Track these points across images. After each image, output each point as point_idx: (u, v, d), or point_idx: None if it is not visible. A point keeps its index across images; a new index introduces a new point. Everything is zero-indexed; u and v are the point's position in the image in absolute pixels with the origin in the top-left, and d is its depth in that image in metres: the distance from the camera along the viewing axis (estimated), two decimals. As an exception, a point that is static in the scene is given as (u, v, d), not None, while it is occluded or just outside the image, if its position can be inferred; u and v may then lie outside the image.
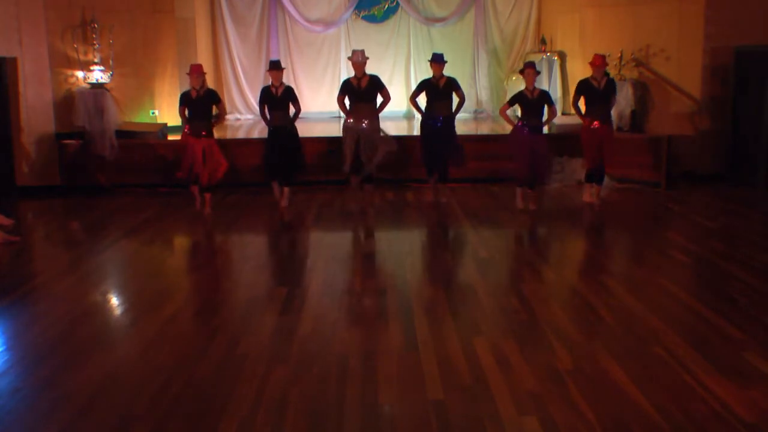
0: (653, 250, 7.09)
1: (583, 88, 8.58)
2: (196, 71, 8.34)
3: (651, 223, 8.26)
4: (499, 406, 3.71)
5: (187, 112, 8.40)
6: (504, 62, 14.01)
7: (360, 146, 8.31)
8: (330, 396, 3.88)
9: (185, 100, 8.41)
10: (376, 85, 8.43)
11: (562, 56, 12.62)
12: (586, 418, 3.57)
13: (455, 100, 8.68)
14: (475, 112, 14.06)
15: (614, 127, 10.66)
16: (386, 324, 4.94)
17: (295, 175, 8.78)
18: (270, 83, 8.61)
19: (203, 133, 8.29)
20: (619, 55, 10.62)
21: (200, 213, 8.42)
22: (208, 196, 8.47)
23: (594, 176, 8.67)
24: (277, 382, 4.05)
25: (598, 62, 8.50)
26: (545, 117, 8.47)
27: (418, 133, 9.07)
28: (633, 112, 10.63)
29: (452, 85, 8.67)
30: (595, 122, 8.43)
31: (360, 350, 4.49)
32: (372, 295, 5.73)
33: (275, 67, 8.61)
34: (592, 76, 8.54)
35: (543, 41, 13.24)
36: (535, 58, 12.81)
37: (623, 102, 10.56)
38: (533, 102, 8.22)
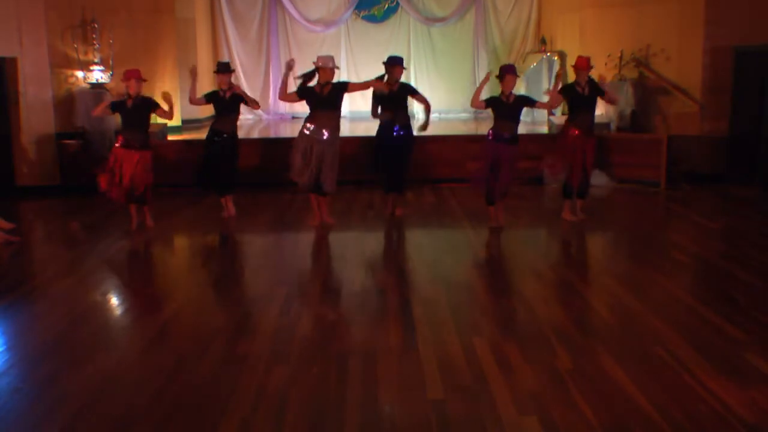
0: (653, 250, 7.09)
1: (568, 92, 7.66)
2: (137, 76, 7.51)
3: (651, 223, 8.25)
4: (499, 406, 3.71)
5: (120, 122, 7.71)
6: (504, 62, 13.97)
7: (313, 161, 7.36)
8: (330, 396, 3.88)
9: (117, 108, 7.58)
10: (340, 90, 7.44)
11: (562, 56, 12.63)
12: (586, 418, 3.57)
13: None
14: (475, 112, 14.06)
15: (614, 127, 10.69)
16: (386, 324, 4.94)
17: (234, 183, 8.33)
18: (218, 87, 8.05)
19: (137, 148, 7.53)
20: (619, 55, 10.62)
21: (137, 231, 7.75)
22: (146, 209, 7.82)
23: (573, 190, 7.83)
24: (277, 382, 4.05)
25: (582, 65, 7.59)
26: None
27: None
28: (633, 112, 10.64)
29: (407, 90, 8.03)
30: (574, 130, 7.58)
31: (360, 350, 4.49)
32: (372, 295, 5.73)
33: (225, 69, 8.08)
34: (575, 81, 7.66)
35: (543, 41, 13.26)
36: (535, 58, 12.85)
37: (623, 102, 10.57)
38: (509, 107, 7.36)
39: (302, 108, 13.65)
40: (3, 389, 4.03)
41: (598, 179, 8.32)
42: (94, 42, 10.24)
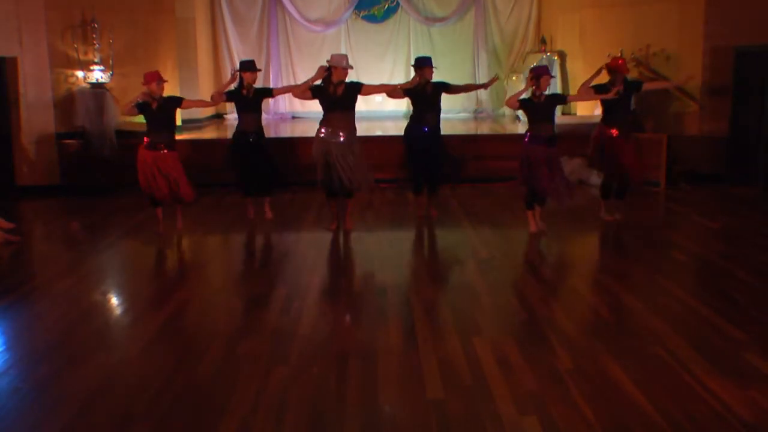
0: (653, 250, 7.08)
1: (602, 92, 7.54)
2: (159, 78, 7.35)
3: (651, 223, 8.25)
4: (499, 406, 3.71)
5: (145, 124, 7.52)
6: (504, 62, 14.03)
7: (332, 164, 7.23)
8: (330, 396, 3.88)
9: (142, 111, 7.39)
10: (354, 91, 7.29)
11: (562, 56, 12.64)
12: (586, 418, 3.57)
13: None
14: (475, 111, 14.07)
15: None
16: (386, 324, 4.94)
17: (275, 186, 8.25)
18: (240, 85, 7.79)
19: (163, 148, 7.41)
20: (619, 55, 10.61)
21: (163, 234, 7.62)
22: (179, 208, 7.68)
23: (612, 191, 7.90)
24: (277, 382, 4.05)
25: (624, 69, 7.58)
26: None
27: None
28: (633, 112, 10.63)
29: (441, 89, 7.85)
30: (613, 130, 7.59)
31: (360, 350, 4.49)
32: (372, 295, 5.73)
33: (252, 67, 7.84)
34: (610, 81, 7.56)
35: (543, 41, 13.25)
36: (535, 58, 12.84)
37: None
38: (541, 107, 7.16)
39: (303, 108, 13.78)
40: (3, 389, 4.04)
41: (599, 179, 8.32)
42: (94, 42, 10.24)
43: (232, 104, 13.67)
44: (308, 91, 7.34)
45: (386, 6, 14.15)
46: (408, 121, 8.15)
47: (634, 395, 3.80)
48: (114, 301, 5.87)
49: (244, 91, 7.79)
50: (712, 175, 10.01)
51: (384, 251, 7.06)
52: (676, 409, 3.64)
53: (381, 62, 13.98)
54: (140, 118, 10.47)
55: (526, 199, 7.40)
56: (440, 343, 4.57)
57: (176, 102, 7.63)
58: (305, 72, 13.88)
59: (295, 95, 7.53)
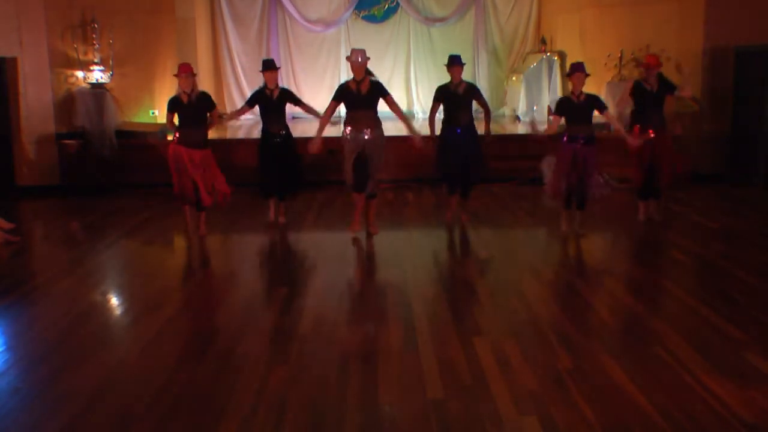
0: (653, 250, 7.08)
1: (636, 92, 7.60)
2: (187, 71, 7.24)
3: (651, 223, 8.24)
4: (499, 406, 3.71)
5: (176, 120, 7.32)
6: (504, 62, 14.02)
7: (363, 160, 7.11)
8: (330, 396, 3.88)
9: (174, 107, 7.27)
10: (378, 92, 7.14)
11: (562, 56, 12.62)
12: (586, 418, 3.57)
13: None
14: (475, 112, 14.05)
15: (614, 128, 10.66)
16: (386, 324, 4.94)
17: (292, 191, 8.12)
18: (264, 85, 7.73)
19: (195, 146, 7.24)
20: (619, 55, 10.62)
21: (193, 234, 7.60)
22: (203, 215, 7.52)
23: (647, 191, 7.89)
24: (277, 382, 4.05)
25: (654, 62, 7.55)
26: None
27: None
28: (633, 113, 10.62)
29: (473, 91, 7.81)
30: (650, 131, 7.55)
31: (360, 350, 4.49)
32: (372, 295, 5.73)
33: (271, 67, 7.73)
34: (644, 79, 7.61)
35: (543, 41, 13.24)
36: (535, 58, 12.83)
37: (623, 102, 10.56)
38: (579, 107, 7.09)
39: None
40: (3, 389, 4.04)
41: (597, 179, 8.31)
42: (94, 42, 10.24)
43: (230, 105, 13.82)
44: (333, 102, 7.20)
45: (386, 6, 14.14)
46: (441, 123, 7.97)
47: (634, 395, 3.80)
48: (114, 301, 5.87)
49: (268, 92, 7.69)
50: (712, 175, 10.01)
51: (384, 251, 7.06)
52: (676, 409, 3.64)
53: (381, 62, 13.93)
54: (141, 118, 10.58)
55: (565, 200, 7.34)
56: (440, 343, 4.57)
57: (209, 104, 7.48)
58: (305, 72, 13.92)
59: (324, 122, 7.28)
